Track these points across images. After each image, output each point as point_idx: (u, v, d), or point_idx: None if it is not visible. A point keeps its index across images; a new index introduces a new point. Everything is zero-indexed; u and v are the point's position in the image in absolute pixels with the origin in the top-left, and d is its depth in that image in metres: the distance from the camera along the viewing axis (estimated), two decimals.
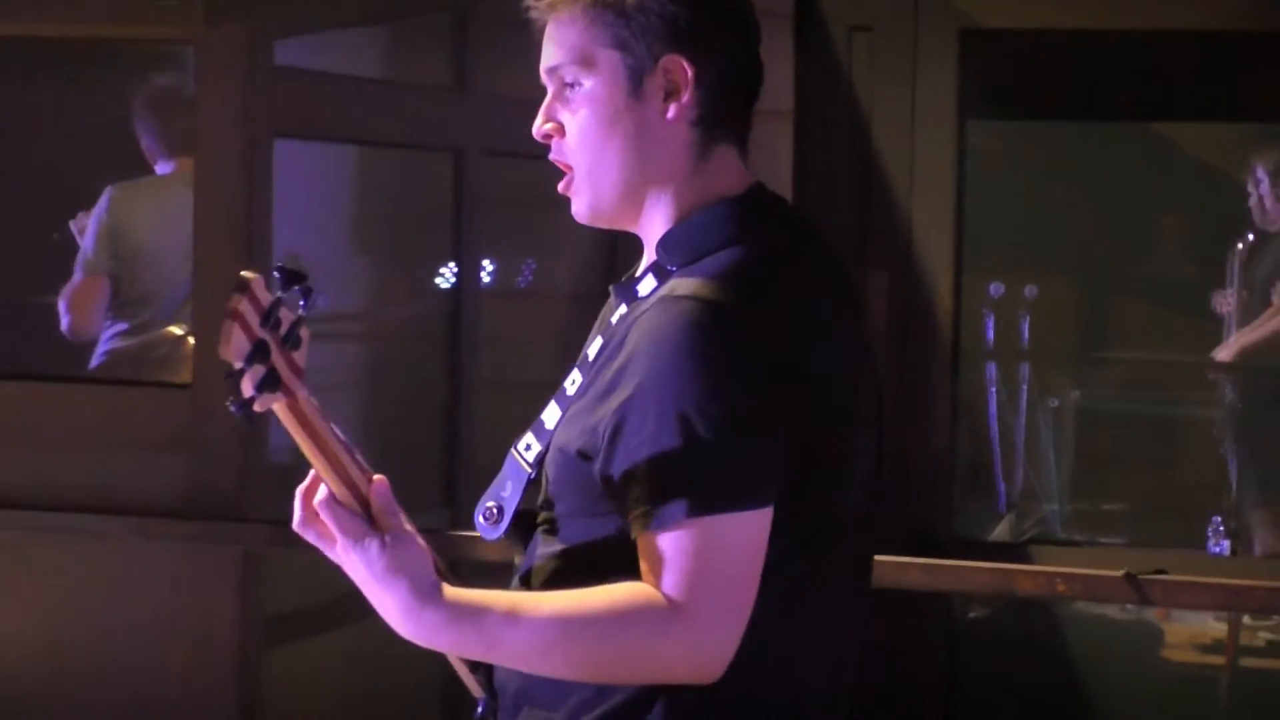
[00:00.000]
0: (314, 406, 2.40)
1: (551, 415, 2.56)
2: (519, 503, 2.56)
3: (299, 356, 2.37)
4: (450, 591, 2.42)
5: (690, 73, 2.48)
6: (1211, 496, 6.33)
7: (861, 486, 2.55)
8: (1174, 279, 6.72)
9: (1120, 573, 4.34)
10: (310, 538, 2.47)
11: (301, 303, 2.36)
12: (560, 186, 2.58)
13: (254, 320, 2.31)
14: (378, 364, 5.96)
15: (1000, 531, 6.41)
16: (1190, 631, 6.36)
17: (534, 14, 2.57)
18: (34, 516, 4.59)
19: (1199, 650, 6.34)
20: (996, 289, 6.38)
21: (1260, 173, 6.15)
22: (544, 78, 2.56)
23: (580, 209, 2.57)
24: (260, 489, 4.57)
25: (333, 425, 2.44)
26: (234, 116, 4.49)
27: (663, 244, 2.52)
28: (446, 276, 5.58)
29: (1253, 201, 6.17)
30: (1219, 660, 6.27)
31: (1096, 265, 6.59)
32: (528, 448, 2.57)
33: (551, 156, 2.57)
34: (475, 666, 2.61)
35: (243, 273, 2.32)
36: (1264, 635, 6.35)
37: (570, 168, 2.56)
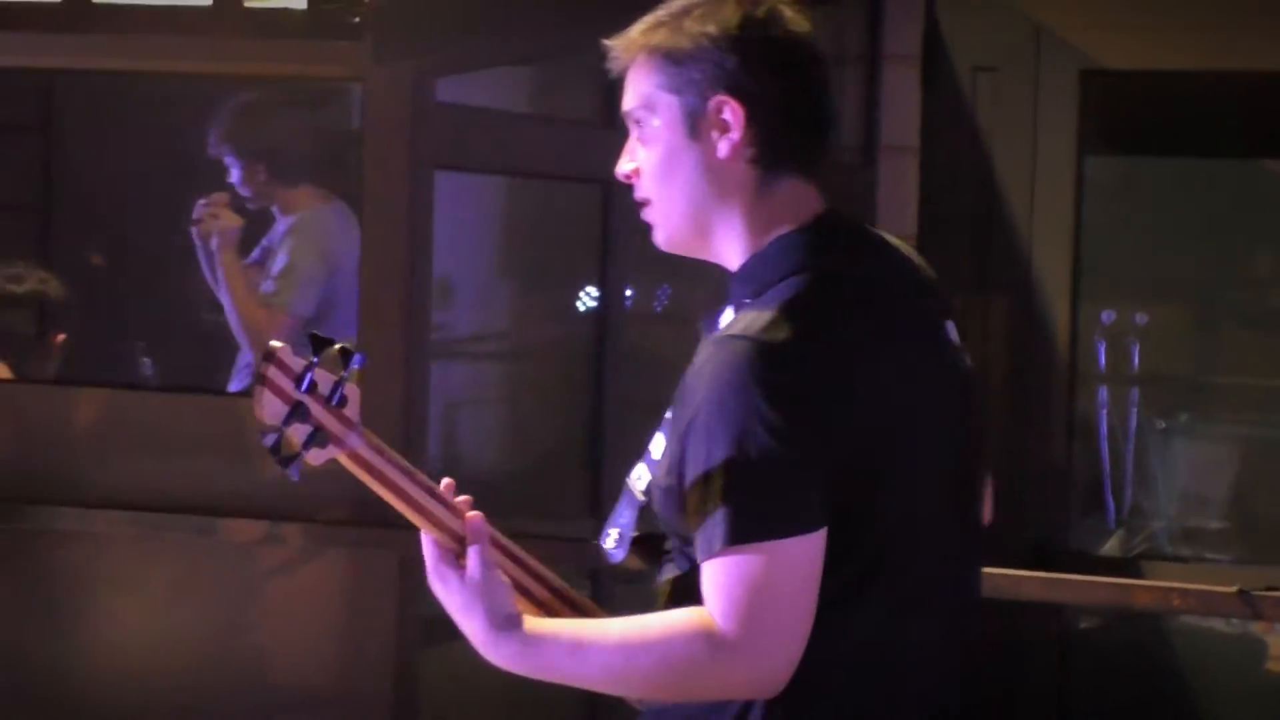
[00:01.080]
0: (379, 454, 2.48)
1: (657, 446, 2.57)
2: (634, 527, 2.60)
3: (350, 411, 2.44)
4: (528, 623, 2.48)
5: (741, 113, 2.50)
6: None
7: (939, 498, 2.53)
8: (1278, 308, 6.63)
9: (1234, 589, 4.28)
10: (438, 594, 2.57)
11: (353, 363, 2.43)
12: (642, 215, 2.63)
13: (287, 385, 2.39)
14: (526, 379, 5.98)
15: (1110, 546, 6.35)
16: None
17: (613, 64, 2.61)
18: (204, 521, 4.62)
19: None
20: (1109, 316, 6.32)
21: None
22: (626, 121, 2.61)
23: (658, 239, 2.62)
24: None
25: (408, 469, 2.51)
26: (399, 150, 4.50)
27: (735, 278, 2.55)
28: (591, 299, 5.58)
29: None
30: None
31: (1205, 294, 6.52)
32: (639, 478, 2.60)
33: (636, 194, 2.61)
34: None
35: (270, 343, 2.41)
36: None
37: (647, 201, 2.59)
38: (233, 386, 5.34)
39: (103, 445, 4.74)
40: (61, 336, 5.30)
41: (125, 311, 6.01)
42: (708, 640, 2.35)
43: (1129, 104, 6.02)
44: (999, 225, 5.90)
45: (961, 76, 5.92)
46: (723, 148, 2.51)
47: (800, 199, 2.55)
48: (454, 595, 2.50)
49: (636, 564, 2.61)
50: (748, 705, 2.42)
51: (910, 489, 2.47)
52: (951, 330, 2.62)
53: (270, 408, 2.39)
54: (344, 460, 2.46)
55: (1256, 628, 6.18)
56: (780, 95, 2.52)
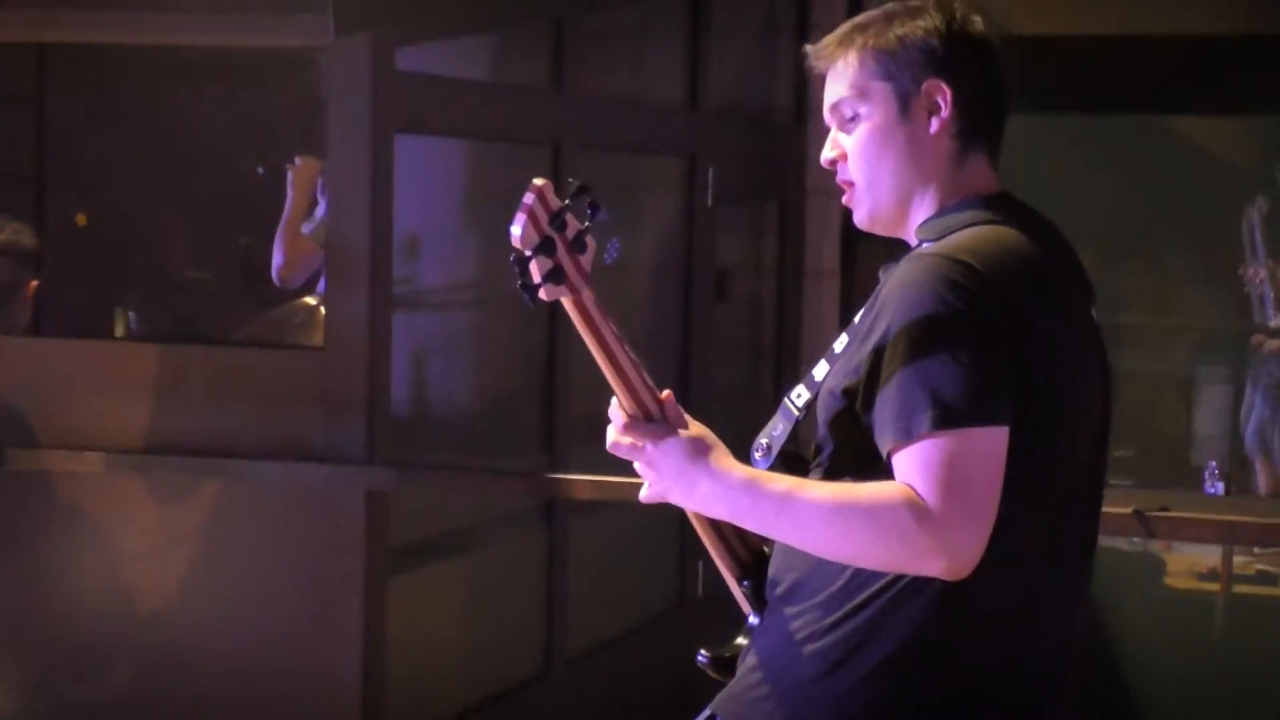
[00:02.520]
0: (602, 311, 2.51)
1: (820, 370, 2.63)
2: (785, 441, 2.63)
3: (585, 260, 2.47)
4: (744, 467, 2.51)
5: (949, 93, 2.58)
6: (1209, 444, 6.26)
7: (1087, 446, 2.56)
8: (1178, 254, 6.64)
9: (1129, 510, 4.28)
10: (622, 453, 2.56)
11: (590, 215, 2.46)
12: (844, 199, 2.67)
13: (543, 218, 2.42)
14: (487, 328, 5.95)
15: None
16: (1188, 562, 6.31)
17: (814, 66, 2.68)
18: (195, 461, 4.60)
19: (1197, 578, 6.29)
20: None
21: None
22: (827, 115, 2.67)
23: (861, 217, 2.65)
24: (384, 437, 4.56)
25: (622, 338, 2.53)
26: (361, 115, 4.47)
27: (921, 227, 2.60)
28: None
29: None
30: (1214, 587, 6.22)
31: (1110, 242, 6.52)
32: (799, 395, 2.66)
33: (839, 179, 2.66)
34: (744, 578, 2.68)
35: (535, 179, 2.42)
36: (1256, 566, 6.29)
37: (851, 184, 2.65)
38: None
39: (84, 391, 4.71)
40: (35, 283, 5.28)
41: (113, 269, 5.97)
42: (913, 509, 2.35)
43: (1040, 66, 6.03)
44: None
45: None
46: (934, 124, 2.58)
47: (983, 174, 2.62)
48: (679, 452, 2.51)
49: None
50: (905, 584, 2.44)
51: (1070, 426, 2.52)
52: (1094, 312, 2.67)
53: (525, 235, 2.41)
54: (568, 305, 2.48)
55: (1157, 547, 6.21)
56: (977, 81, 2.60)
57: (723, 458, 2.51)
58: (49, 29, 4.66)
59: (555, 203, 2.43)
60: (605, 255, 6.14)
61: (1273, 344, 6.25)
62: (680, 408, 2.56)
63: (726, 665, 2.67)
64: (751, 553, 2.69)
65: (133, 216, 5.98)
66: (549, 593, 5.31)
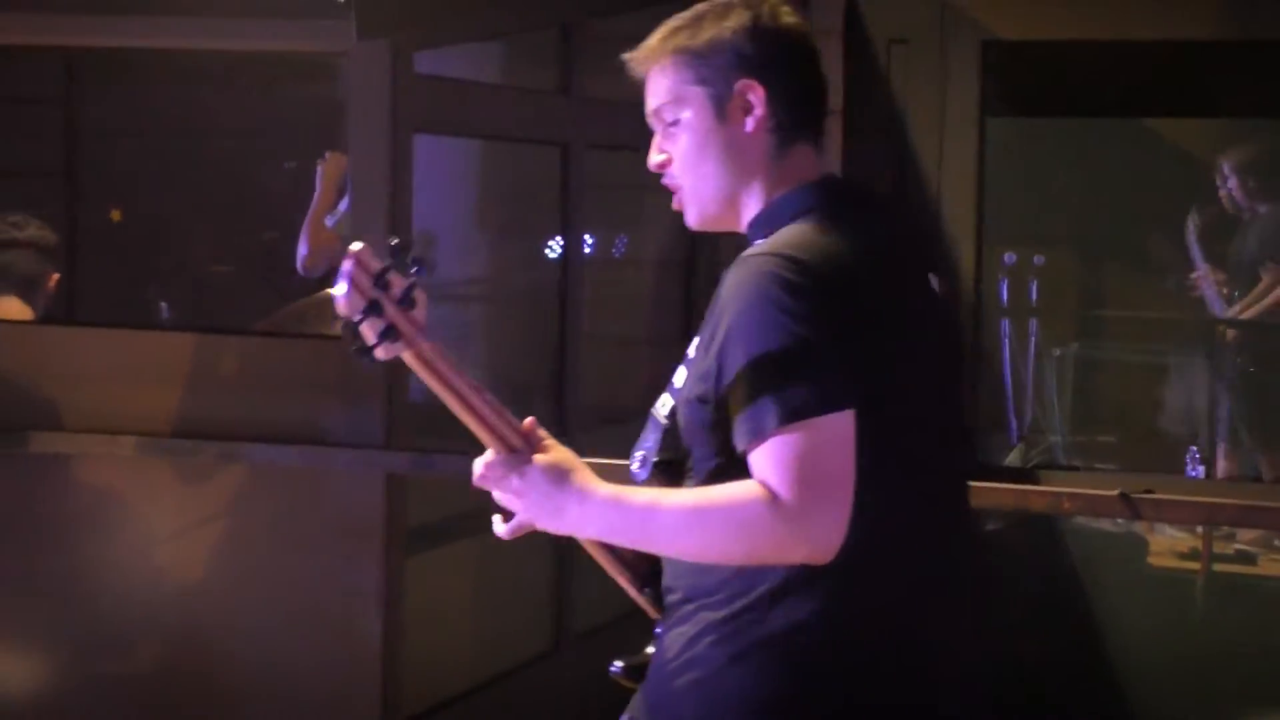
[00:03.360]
0: (442, 356, 2.43)
1: (679, 376, 2.59)
2: (657, 450, 2.58)
3: (417, 314, 2.40)
4: (603, 486, 2.45)
5: (761, 92, 2.55)
6: (1189, 430, 6.24)
7: (934, 408, 2.53)
8: (1158, 249, 6.62)
9: (1115, 492, 4.27)
10: (490, 487, 2.52)
11: (414, 271, 2.39)
12: (674, 204, 2.64)
13: (365, 283, 2.35)
14: (500, 320, 5.94)
15: (1012, 458, 6.34)
16: (1170, 542, 6.29)
17: (632, 70, 2.63)
18: (220, 446, 4.58)
19: (1178, 557, 6.27)
20: (1010, 258, 6.30)
21: (1227, 170, 6.05)
22: (650, 120, 2.63)
23: (691, 218, 2.64)
24: (402, 423, 4.55)
25: (464, 373, 2.45)
26: (380, 116, 4.45)
27: (752, 224, 2.58)
28: (555, 249, 5.54)
29: (1222, 194, 6.07)
30: (1195, 565, 6.20)
31: (1094, 238, 6.50)
32: (664, 404, 2.61)
33: (665, 182, 2.63)
34: (644, 584, 2.64)
35: (351, 245, 2.36)
36: (1234, 545, 6.26)
37: (679, 188, 2.61)
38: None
39: (113, 378, 4.69)
40: (56, 276, 5.28)
41: (144, 261, 5.97)
42: (769, 505, 2.32)
43: (1024, 70, 6.01)
44: (912, 178, 5.88)
45: (878, 48, 5.89)
46: (749, 124, 2.56)
47: (808, 162, 2.59)
48: (542, 477, 2.45)
49: (665, 484, 2.56)
50: (789, 575, 2.42)
51: (913, 398, 2.49)
52: (933, 280, 2.63)
53: (350, 301, 2.36)
54: (409, 359, 2.42)
55: (1140, 528, 6.19)
56: (789, 75, 2.58)
57: (587, 479, 2.46)
58: (79, 34, 4.63)
59: (376, 265, 2.37)
60: (613, 251, 6.13)
61: (1229, 334, 6.24)
62: (545, 434, 2.50)
63: (640, 673, 2.63)
64: (647, 560, 2.63)
65: (162, 212, 5.98)
66: (558, 572, 5.30)
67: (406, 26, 4.38)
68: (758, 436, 2.35)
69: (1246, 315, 6.05)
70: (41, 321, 5.24)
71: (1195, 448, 6.14)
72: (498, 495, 2.52)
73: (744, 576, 2.44)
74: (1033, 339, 6.46)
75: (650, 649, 2.62)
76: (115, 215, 5.98)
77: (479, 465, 2.51)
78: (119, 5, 4.26)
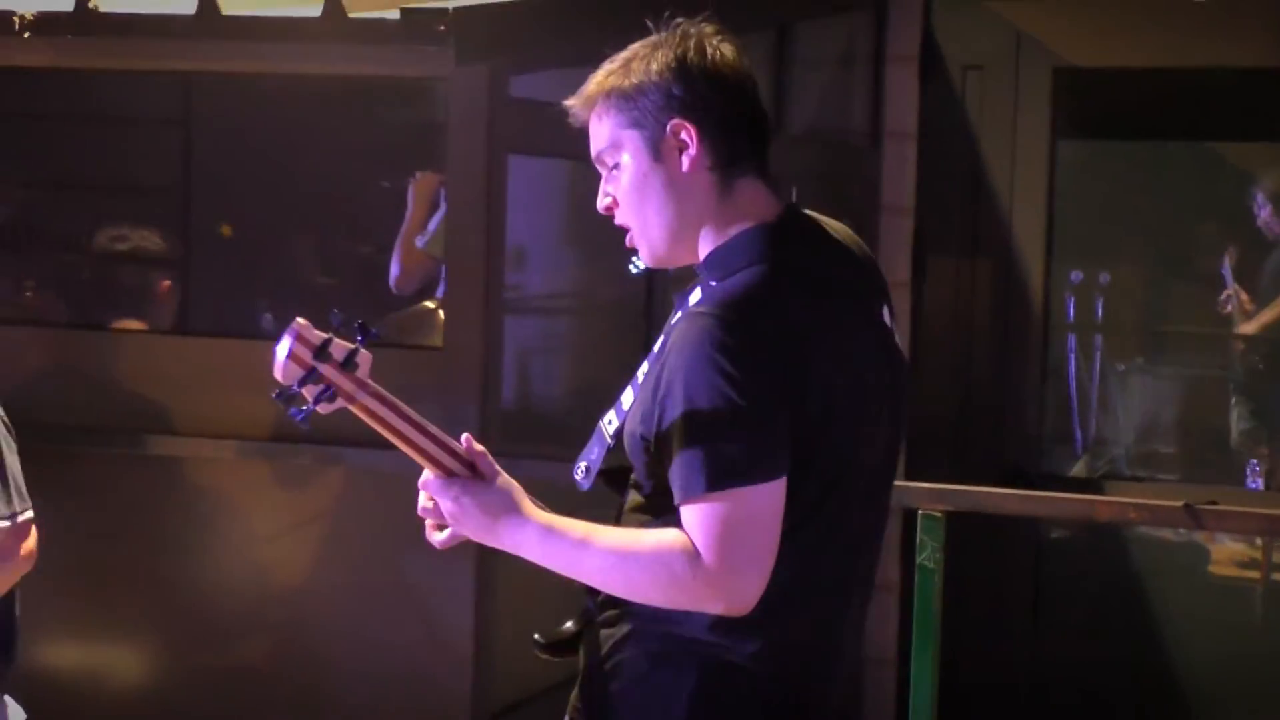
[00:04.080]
0: (386, 404, 2.45)
1: (627, 397, 2.56)
2: (601, 463, 2.57)
3: (362, 372, 2.42)
4: (540, 515, 2.47)
5: (694, 130, 2.47)
6: (1251, 443, 6.18)
7: (871, 455, 2.51)
8: (1219, 268, 6.56)
9: (1180, 503, 4.23)
10: (429, 515, 2.59)
11: (359, 338, 2.42)
12: (627, 242, 2.59)
13: (306, 355, 2.38)
14: (586, 331, 5.95)
15: (1078, 469, 6.30)
16: (1230, 551, 6.23)
17: (573, 118, 2.59)
18: (324, 449, 4.59)
19: (1238, 566, 6.21)
20: (1077, 275, 6.26)
21: (1261, 198, 6.02)
22: (595, 164, 2.58)
23: (644, 257, 2.59)
24: (494, 427, 4.56)
25: (411, 417, 2.48)
26: (477, 138, 4.46)
27: (704, 263, 2.51)
28: (637, 265, 5.54)
29: (1259, 221, 6.04)
30: (1255, 575, 6.14)
31: (1158, 257, 6.45)
32: (610, 422, 2.58)
33: (617, 222, 2.57)
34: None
35: (296, 319, 2.40)
36: None
37: (628, 228, 2.56)
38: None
39: (222, 385, 4.72)
40: (167, 284, 5.32)
41: (251, 274, 6.00)
42: (691, 565, 2.32)
43: (1094, 96, 5.99)
44: (984, 198, 5.87)
45: (953, 74, 5.89)
46: (685, 163, 2.48)
47: (758, 199, 2.51)
48: (472, 499, 2.48)
49: (611, 491, 2.61)
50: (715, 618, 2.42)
51: (848, 449, 2.45)
52: (886, 313, 2.59)
53: (287, 372, 2.39)
54: (354, 410, 2.45)
55: (1201, 537, 6.13)
56: (722, 108, 2.49)
57: (524, 507, 2.48)
58: (197, 59, 4.68)
59: (317, 337, 2.39)
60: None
61: (1239, 345, 6.22)
62: (488, 458, 2.52)
63: (558, 649, 2.67)
64: None
65: (270, 228, 6.01)
66: None
67: (502, 52, 4.39)
68: (687, 496, 2.34)
69: (1263, 321, 6.04)
70: (155, 331, 5.28)
71: (1256, 460, 6.07)
72: (427, 503, 2.56)
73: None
74: (1098, 354, 6.41)
75: (569, 624, 2.65)
76: (225, 230, 6.02)
77: (424, 479, 2.55)
78: (233, 32, 4.29)
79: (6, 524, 4.03)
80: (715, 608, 2.36)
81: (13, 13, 4.38)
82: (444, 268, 4.92)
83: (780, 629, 2.43)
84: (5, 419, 4.06)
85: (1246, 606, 6.15)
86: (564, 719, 2.68)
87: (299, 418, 2.43)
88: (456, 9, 4.03)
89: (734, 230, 2.48)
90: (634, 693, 2.52)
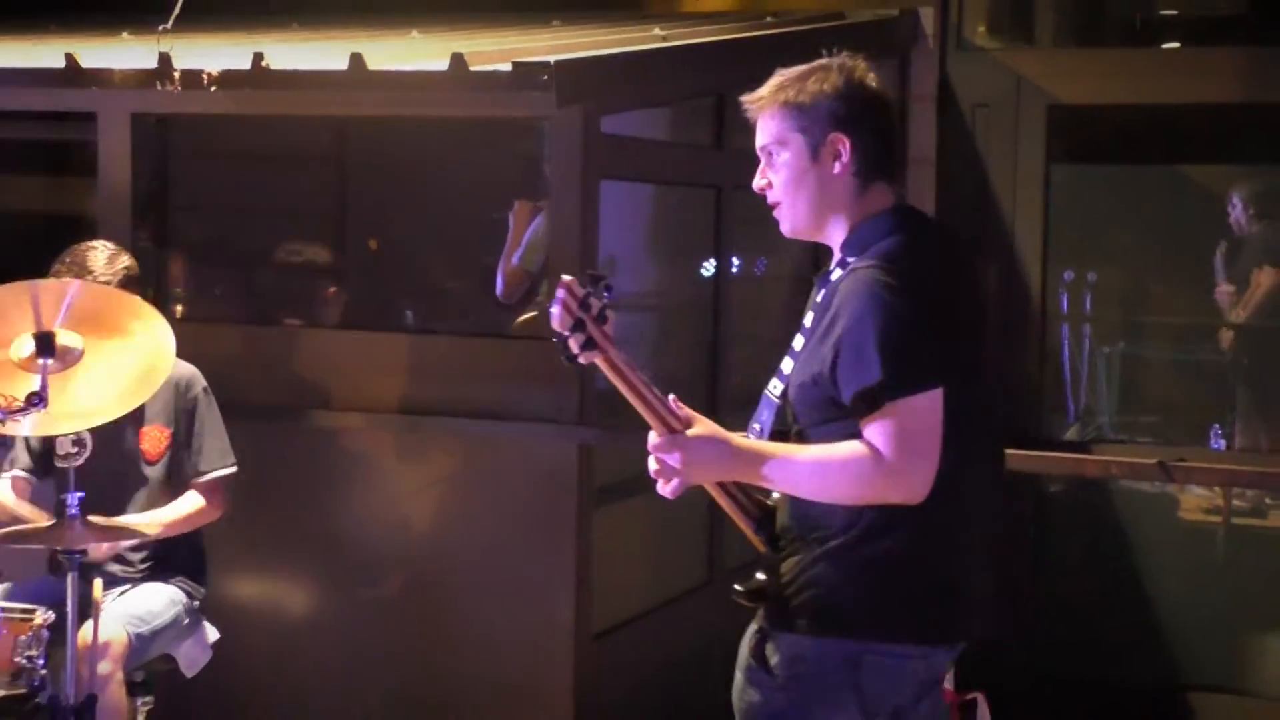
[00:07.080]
0: (625, 360, 2.50)
1: (787, 365, 2.63)
2: (772, 422, 2.62)
3: (608, 328, 2.47)
4: (745, 443, 2.53)
5: (848, 143, 2.58)
6: (1214, 411, 6.11)
7: (984, 378, 2.62)
8: (1194, 269, 6.47)
9: (1154, 460, 4.19)
10: (662, 456, 2.55)
11: (606, 294, 2.47)
12: (774, 213, 2.68)
13: (573, 305, 2.43)
14: (666, 325, 5.95)
15: (1070, 434, 6.24)
16: (1196, 500, 6.15)
17: (748, 112, 2.67)
18: (452, 422, 4.60)
19: (1204, 512, 6.13)
20: (1069, 275, 6.20)
21: (1235, 199, 5.97)
22: (758, 152, 2.67)
23: (785, 229, 2.70)
24: (591, 404, 4.56)
25: (640, 371, 2.51)
26: (574, 167, 4.47)
27: (844, 245, 2.60)
28: (709, 269, 5.53)
29: (1231, 219, 5.98)
30: (1217, 519, 6.08)
31: (1138, 260, 6.37)
32: (774, 387, 2.65)
33: (769, 199, 2.67)
34: (759, 528, 2.65)
35: (563, 276, 2.45)
36: (1247, 502, 6.12)
37: (778, 204, 2.66)
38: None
39: (374, 370, 4.74)
40: (333, 289, 5.35)
41: (394, 280, 6.04)
42: (875, 463, 2.41)
43: (1083, 128, 5.95)
44: (991, 213, 5.83)
45: (964, 110, 5.85)
46: (836, 167, 2.58)
47: (884, 195, 2.61)
48: (694, 445, 2.49)
49: None
50: (878, 515, 2.48)
51: (976, 370, 2.57)
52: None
53: (561, 320, 2.43)
54: (600, 362, 2.48)
55: (1172, 488, 6.07)
56: (872, 130, 2.59)
57: (733, 439, 2.51)
58: (349, 106, 4.70)
59: (580, 291, 2.43)
60: (755, 269, 6.11)
61: (1229, 333, 6.14)
62: (687, 409, 2.53)
63: (755, 595, 2.65)
64: (757, 506, 2.65)
65: (409, 242, 6.04)
66: (710, 519, 5.29)
67: (595, 96, 4.39)
68: (870, 408, 2.42)
69: (1245, 313, 5.95)
70: (320, 326, 5.30)
71: (1218, 425, 6.00)
72: (657, 464, 2.55)
73: (844, 517, 2.50)
74: (1087, 340, 6.34)
75: (760, 575, 2.64)
76: (373, 245, 6.06)
77: (652, 441, 2.55)
78: (378, 83, 4.30)
79: (233, 470, 4.08)
80: (896, 497, 2.44)
81: (202, 70, 4.42)
82: (543, 278, 4.91)
83: (935, 515, 2.47)
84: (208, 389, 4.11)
85: (1210, 545, 6.09)
86: (749, 633, 2.68)
87: (571, 364, 2.48)
88: (558, 62, 4.03)
89: (865, 217, 2.58)
90: (819, 603, 2.54)
